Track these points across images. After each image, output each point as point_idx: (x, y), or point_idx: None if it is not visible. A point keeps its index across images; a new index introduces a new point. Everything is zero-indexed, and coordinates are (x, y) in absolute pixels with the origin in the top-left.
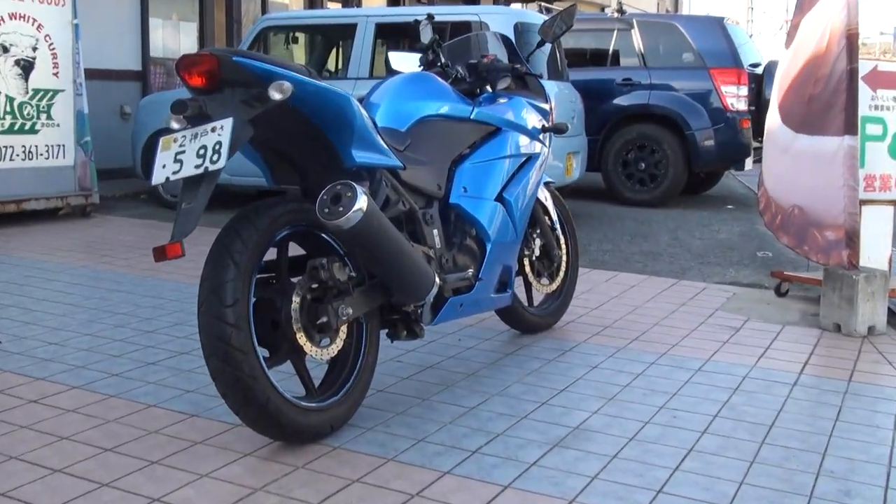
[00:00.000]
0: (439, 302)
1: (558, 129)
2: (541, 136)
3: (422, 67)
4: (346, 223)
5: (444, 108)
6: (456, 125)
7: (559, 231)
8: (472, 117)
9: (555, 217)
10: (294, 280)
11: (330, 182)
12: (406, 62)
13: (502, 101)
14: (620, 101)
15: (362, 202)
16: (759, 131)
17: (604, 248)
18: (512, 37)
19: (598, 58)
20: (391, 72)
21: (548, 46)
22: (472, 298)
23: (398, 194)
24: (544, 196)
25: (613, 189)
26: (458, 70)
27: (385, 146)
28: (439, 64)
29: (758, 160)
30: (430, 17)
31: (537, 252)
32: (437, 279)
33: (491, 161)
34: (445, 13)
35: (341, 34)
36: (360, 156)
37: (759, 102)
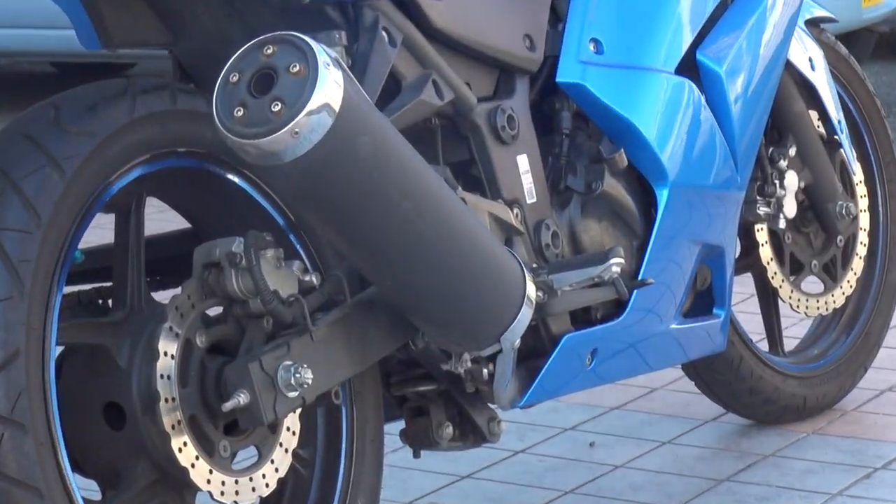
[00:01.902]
0: (538, 345)
1: None
2: None
3: None
4: (291, 146)
5: None
6: None
7: (848, 149)
8: None
9: (835, 114)
10: (165, 299)
11: (247, 39)
12: None
13: None
14: None
15: (329, 85)
16: None
17: None
18: None
19: None
20: None
21: None
22: (620, 334)
23: (424, 64)
24: (807, 59)
25: None
26: None
27: None
28: None
29: None
30: None
31: (791, 208)
32: (531, 286)
33: None
34: None
35: None
36: None
37: None
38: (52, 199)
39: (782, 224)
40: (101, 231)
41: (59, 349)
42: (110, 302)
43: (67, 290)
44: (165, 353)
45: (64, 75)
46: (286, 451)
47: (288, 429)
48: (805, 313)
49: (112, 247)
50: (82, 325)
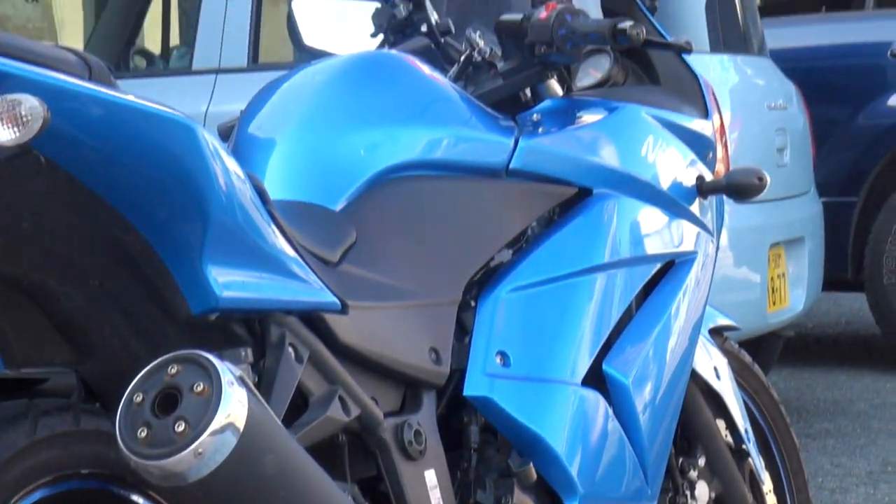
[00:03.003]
0: None
1: (742, 188)
2: (696, 207)
3: (381, 38)
4: (195, 467)
5: (442, 144)
6: (473, 187)
7: (756, 459)
8: (512, 166)
9: (742, 423)
10: None
11: (153, 356)
12: (339, 26)
13: (591, 116)
14: None
15: (233, 405)
16: None
17: None
18: None
19: None
20: (305, 53)
21: None
22: None
23: (330, 380)
24: (712, 368)
25: None
26: (473, 42)
27: (292, 254)
28: (425, 28)
29: None
30: None
31: None
32: None
33: (568, 280)
34: None
35: None
36: (229, 282)
37: None
38: None
39: None
40: None
41: None
42: None
43: None
44: None
45: None
46: None
47: None
48: None
49: None
50: None
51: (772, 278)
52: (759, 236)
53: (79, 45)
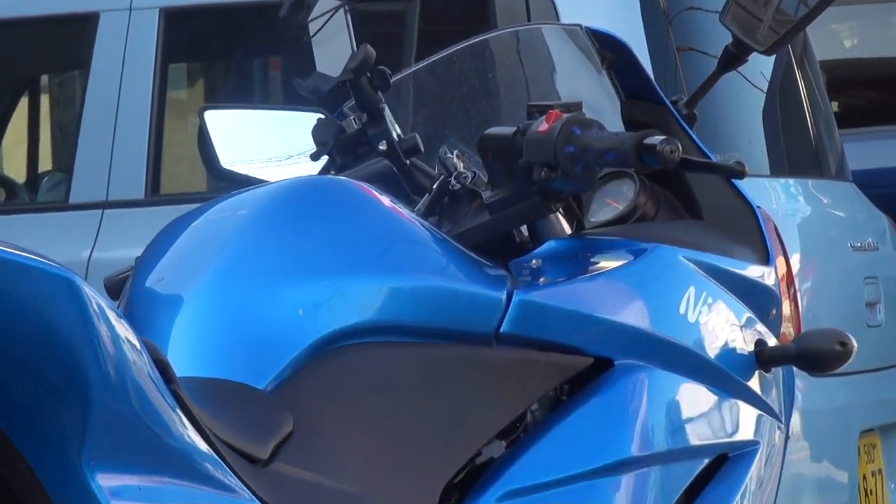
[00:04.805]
0: None
1: (819, 357)
2: (755, 383)
3: (325, 159)
4: None
5: (409, 301)
6: (452, 359)
7: None
8: (504, 329)
9: None
10: None
11: None
12: (268, 144)
13: (609, 262)
14: None
15: None
16: None
17: None
18: (639, 36)
19: None
20: (222, 180)
21: (762, 64)
22: None
23: None
24: None
25: None
26: (449, 164)
27: (206, 449)
28: (384, 147)
29: None
30: None
31: None
32: None
33: (583, 481)
34: None
35: (41, 61)
36: (118, 488)
37: None
38: None
39: None
40: None
41: None
42: None
43: None
44: None
45: None
46: None
47: None
48: None
49: None
50: None
51: (864, 476)
52: (845, 421)
53: None
